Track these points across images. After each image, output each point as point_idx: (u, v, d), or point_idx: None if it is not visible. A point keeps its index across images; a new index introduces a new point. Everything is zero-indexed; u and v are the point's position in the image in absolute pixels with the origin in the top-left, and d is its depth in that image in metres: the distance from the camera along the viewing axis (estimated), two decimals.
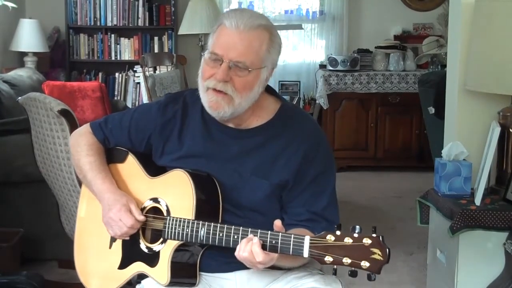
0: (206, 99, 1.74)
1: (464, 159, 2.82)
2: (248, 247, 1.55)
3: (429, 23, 6.38)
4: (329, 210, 1.76)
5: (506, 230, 2.58)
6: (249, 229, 1.59)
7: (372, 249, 1.45)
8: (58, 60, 6.07)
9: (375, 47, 6.00)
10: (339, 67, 5.81)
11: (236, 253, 1.59)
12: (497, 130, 2.73)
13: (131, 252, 1.81)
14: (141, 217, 1.76)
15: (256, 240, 1.55)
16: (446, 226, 2.68)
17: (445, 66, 4.60)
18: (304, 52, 6.51)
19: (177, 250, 1.72)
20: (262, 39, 1.71)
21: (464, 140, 2.87)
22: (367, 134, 5.90)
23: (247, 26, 1.68)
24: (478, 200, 2.70)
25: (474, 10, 2.80)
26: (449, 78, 3.16)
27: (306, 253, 1.51)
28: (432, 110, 4.16)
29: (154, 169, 1.84)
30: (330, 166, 1.81)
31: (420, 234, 3.74)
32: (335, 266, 1.48)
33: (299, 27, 6.35)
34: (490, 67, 2.68)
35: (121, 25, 6.05)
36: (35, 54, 5.63)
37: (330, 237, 1.48)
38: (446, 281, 2.82)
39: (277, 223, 1.58)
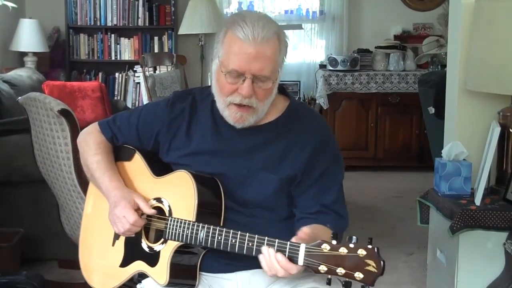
0: (229, 113, 1.73)
1: (464, 159, 2.82)
2: (278, 266, 1.53)
3: (429, 23, 6.38)
4: (337, 204, 1.79)
5: (506, 230, 2.58)
6: (247, 234, 1.59)
7: (366, 260, 1.44)
8: (58, 60, 6.07)
9: (375, 47, 6.00)
10: (339, 67, 5.81)
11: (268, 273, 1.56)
12: (497, 130, 2.73)
13: (132, 250, 1.81)
14: (151, 211, 1.75)
15: (280, 257, 1.52)
16: (446, 226, 2.68)
17: (445, 66, 4.59)
18: (304, 52, 6.51)
19: (178, 251, 1.72)
20: (275, 46, 1.69)
21: (464, 140, 2.87)
22: (367, 134, 5.90)
23: (264, 38, 1.66)
24: (478, 200, 2.70)
25: (474, 10, 2.80)
26: (449, 78, 3.16)
27: (301, 261, 1.50)
28: (432, 110, 4.16)
29: (159, 168, 1.84)
30: (337, 162, 1.83)
31: (420, 234, 3.74)
32: (329, 276, 1.47)
33: (299, 27, 6.35)
34: (490, 67, 2.67)
35: (121, 25, 6.05)
36: (35, 54, 5.63)
37: (326, 246, 1.47)
38: (446, 281, 2.82)
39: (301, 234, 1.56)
